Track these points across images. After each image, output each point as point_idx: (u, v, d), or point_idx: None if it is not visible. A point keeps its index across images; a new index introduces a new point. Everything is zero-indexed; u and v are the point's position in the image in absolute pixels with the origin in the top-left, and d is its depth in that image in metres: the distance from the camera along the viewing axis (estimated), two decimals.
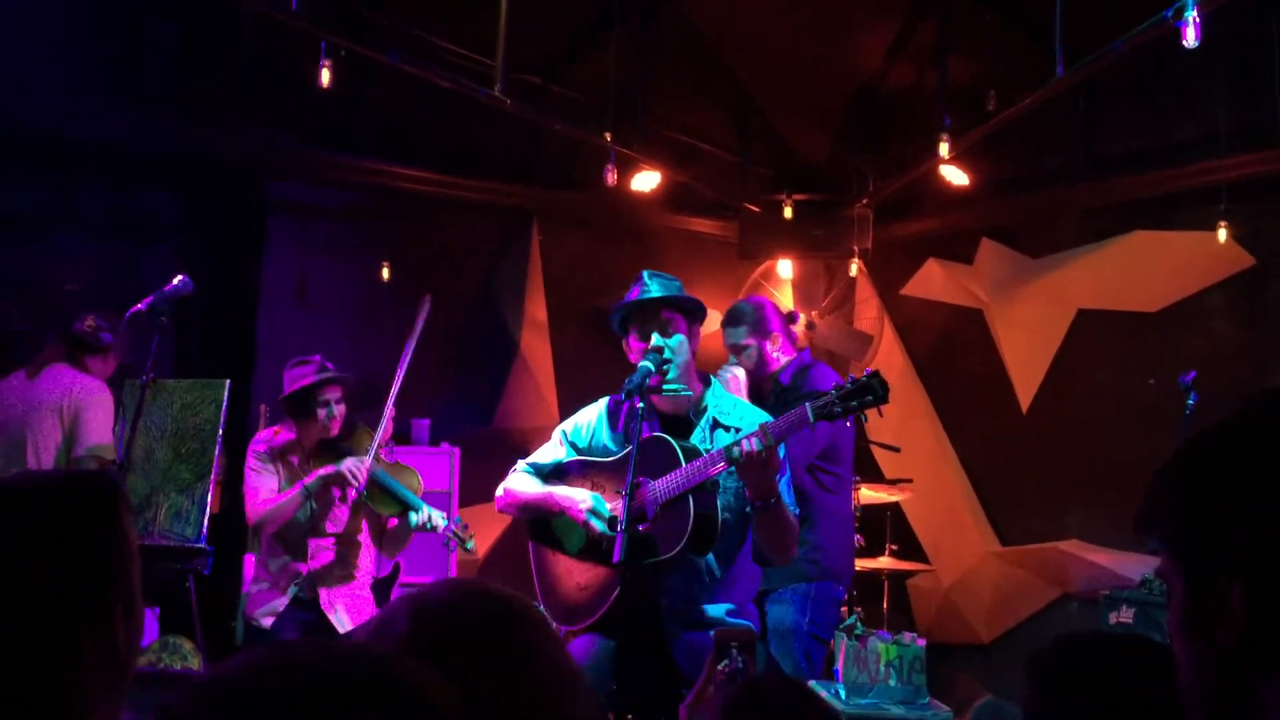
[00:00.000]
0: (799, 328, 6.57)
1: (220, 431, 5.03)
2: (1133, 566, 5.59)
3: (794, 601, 4.21)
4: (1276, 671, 0.96)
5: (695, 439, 3.30)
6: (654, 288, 3.36)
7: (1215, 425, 1.07)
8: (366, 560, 4.65)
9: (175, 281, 3.95)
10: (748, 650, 2.12)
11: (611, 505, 3.29)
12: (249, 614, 4.57)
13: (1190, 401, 3.86)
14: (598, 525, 3.26)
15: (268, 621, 4.49)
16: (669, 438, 3.23)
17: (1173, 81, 5.69)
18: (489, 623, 1.16)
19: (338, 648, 0.87)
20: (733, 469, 3.10)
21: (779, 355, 4.45)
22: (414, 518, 4.47)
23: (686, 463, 3.15)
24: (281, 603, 4.49)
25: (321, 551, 4.55)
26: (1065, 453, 6.27)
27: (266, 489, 4.50)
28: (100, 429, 4.45)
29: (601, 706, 3.02)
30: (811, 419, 2.99)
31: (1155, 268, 5.99)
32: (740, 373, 4.37)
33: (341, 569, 4.57)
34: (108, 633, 1.29)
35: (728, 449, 3.06)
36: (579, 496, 3.33)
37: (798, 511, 3.31)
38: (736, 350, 4.44)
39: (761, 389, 4.42)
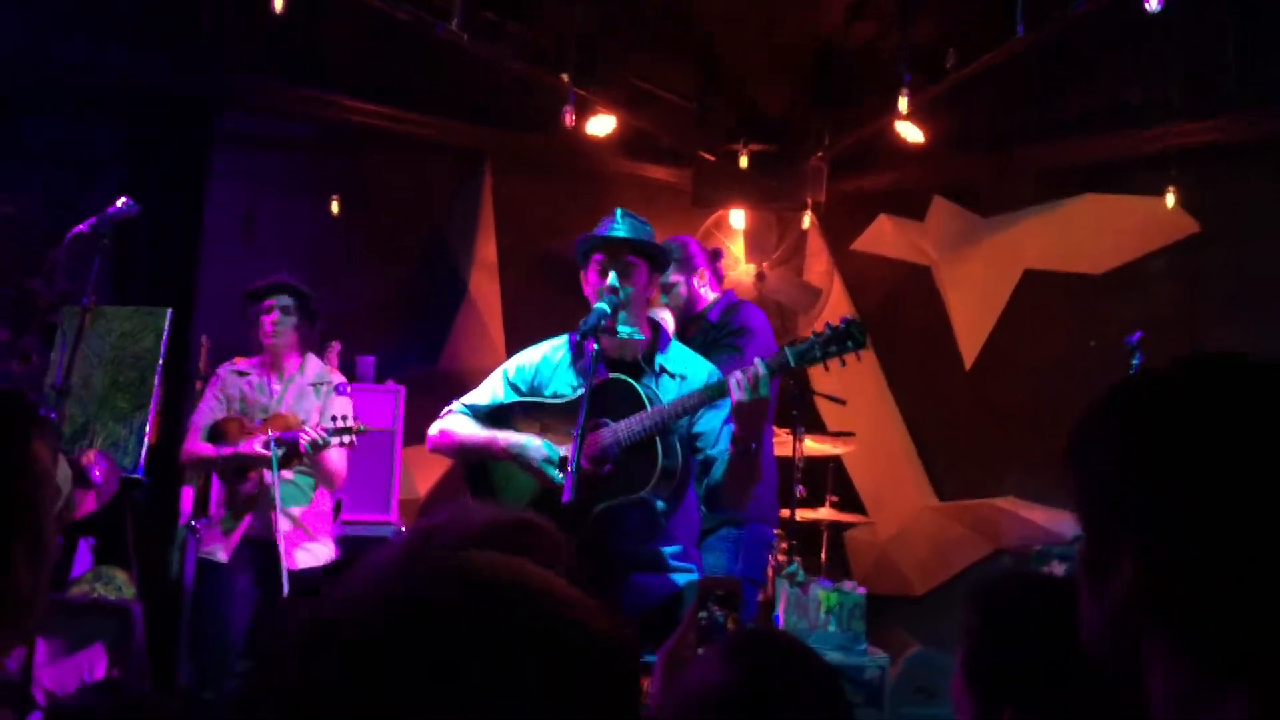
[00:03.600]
0: (735, 271, 6.56)
1: (160, 361, 4.94)
2: (1066, 523, 5.70)
3: (725, 548, 4.19)
4: (1158, 628, 0.98)
5: (635, 384, 3.29)
6: (623, 227, 3.31)
7: (1135, 381, 1.09)
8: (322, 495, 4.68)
9: (119, 203, 3.85)
10: (729, 602, 2.11)
11: (564, 449, 3.23)
12: (204, 549, 4.57)
13: (1135, 361, 3.92)
14: (550, 472, 3.22)
15: (223, 556, 4.50)
16: (631, 380, 3.21)
17: (1129, 47, 5.73)
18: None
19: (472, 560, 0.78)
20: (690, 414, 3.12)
21: (706, 292, 4.37)
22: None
23: (651, 405, 3.14)
24: (235, 537, 4.48)
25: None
26: (1005, 411, 6.36)
27: (203, 424, 4.56)
28: None
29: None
30: (792, 363, 3.02)
31: (1102, 231, 6.06)
32: (668, 315, 4.27)
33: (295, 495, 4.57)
34: (5, 562, 1.19)
35: (708, 387, 3.05)
36: (528, 443, 3.28)
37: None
38: (665, 289, 4.35)
39: (687, 330, 4.34)
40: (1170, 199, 5.53)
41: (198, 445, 4.60)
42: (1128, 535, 1.00)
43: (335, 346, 5.22)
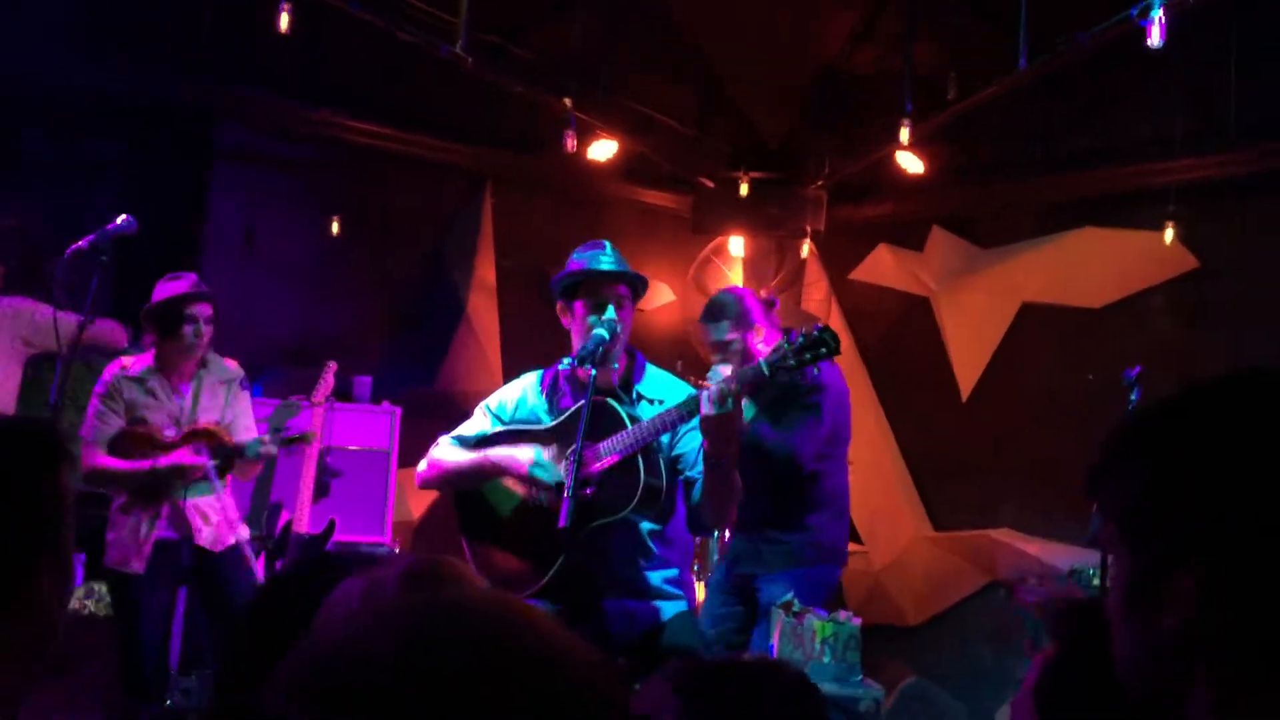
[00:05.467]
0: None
1: None
2: (1062, 556, 5.70)
3: (786, 583, 4.08)
4: (1215, 657, 0.95)
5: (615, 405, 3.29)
6: (614, 260, 3.36)
7: (1176, 399, 1.03)
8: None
9: (118, 220, 3.84)
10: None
11: (547, 452, 3.26)
12: (109, 562, 4.26)
13: (1134, 397, 3.91)
14: (543, 477, 3.21)
15: (137, 566, 4.22)
16: (612, 401, 3.22)
17: (1130, 81, 5.76)
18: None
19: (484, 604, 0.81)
20: (672, 432, 3.11)
21: (763, 347, 4.05)
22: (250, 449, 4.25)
23: (631, 425, 3.14)
24: (147, 546, 4.23)
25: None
26: (1002, 442, 6.35)
27: (103, 437, 4.24)
28: None
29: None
30: (767, 373, 3.00)
31: (1101, 264, 6.07)
32: (728, 370, 3.98)
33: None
34: (32, 589, 1.22)
35: (684, 402, 3.05)
36: (520, 454, 3.28)
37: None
38: (720, 347, 4.12)
39: (755, 388, 4.07)
40: (1169, 234, 5.54)
41: (106, 460, 4.23)
42: (1187, 566, 0.96)
43: (332, 366, 5.20)
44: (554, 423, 3.35)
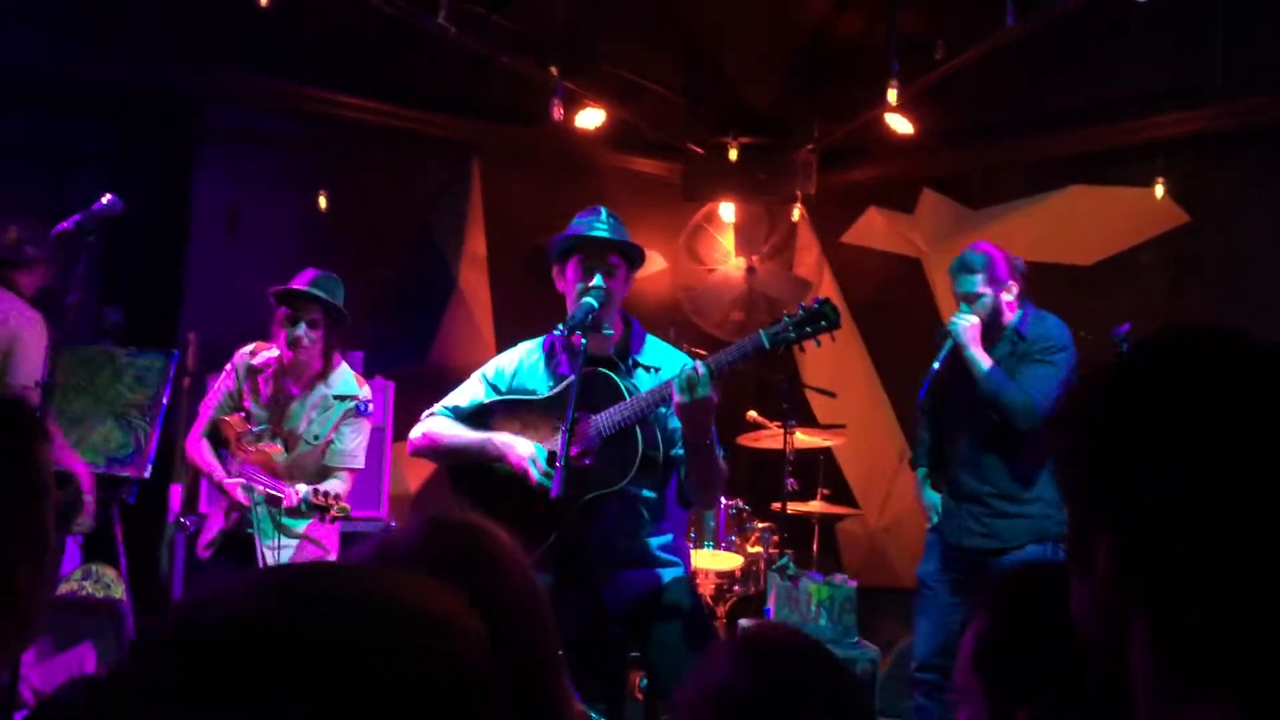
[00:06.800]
0: (725, 264, 6.52)
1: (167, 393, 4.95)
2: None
3: (1032, 558, 4.02)
4: (1138, 616, 0.96)
5: (613, 375, 3.30)
6: (608, 227, 3.35)
7: (1108, 366, 1.04)
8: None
9: (104, 200, 3.81)
10: None
11: (549, 445, 3.27)
12: (201, 546, 4.17)
13: (1124, 353, 3.91)
14: (536, 475, 3.21)
15: (206, 554, 4.15)
16: (610, 373, 3.23)
17: (1117, 38, 5.73)
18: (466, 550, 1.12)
19: (347, 571, 0.81)
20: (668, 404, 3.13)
21: (1013, 305, 4.23)
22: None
23: (630, 396, 3.15)
24: (216, 531, 4.15)
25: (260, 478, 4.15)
26: None
27: (208, 417, 4.15)
28: (33, 362, 4.14)
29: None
30: (767, 345, 3.02)
31: (1092, 222, 6.06)
32: (975, 319, 4.17)
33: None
34: (9, 580, 1.18)
35: (679, 376, 3.06)
36: (520, 447, 3.28)
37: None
38: (970, 299, 4.19)
39: (992, 338, 4.22)
40: (1159, 189, 5.53)
41: (198, 448, 4.17)
42: (1104, 521, 0.98)
43: None
44: (550, 393, 3.37)
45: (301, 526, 4.17)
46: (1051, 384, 4.00)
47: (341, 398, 4.21)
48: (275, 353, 4.15)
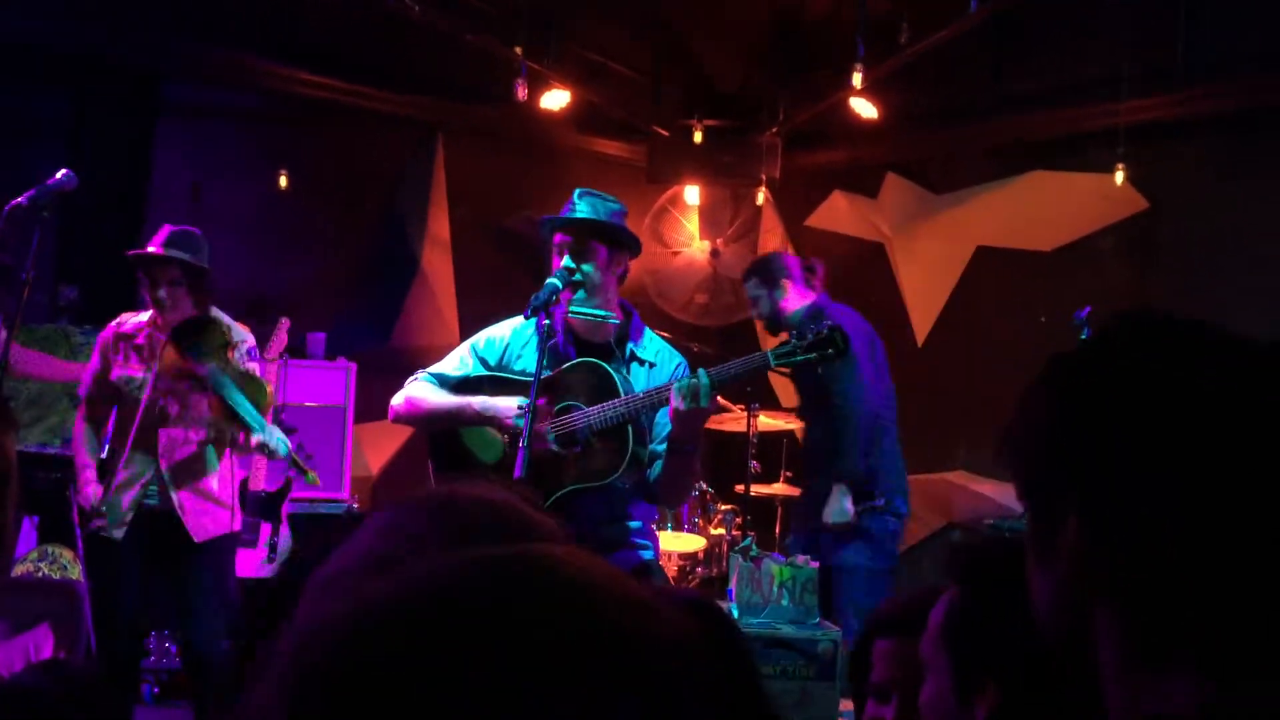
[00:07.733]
0: (689, 248, 6.58)
1: None
2: (1015, 498, 5.76)
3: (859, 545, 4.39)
4: (1103, 600, 0.96)
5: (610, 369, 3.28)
6: (581, 208, 3.30)
7: (1069, 351, 1.05)
8: (225, 464, 4.21)
9: (59, 175, 3.76)
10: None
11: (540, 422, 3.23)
12: (94, 524, 4.04)
13: (1084, 337, 3.95)
14: (520, 424, 3.18)
15: (118, 532, 4.03)
16: (606, 365, 3.20)
17: (1079, 23, 5.76)
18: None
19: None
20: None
21: (790, 304, 4.72)
22: (251, 438, 3.99)
23: (625, 392, 3.13)
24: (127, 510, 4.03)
25: (179, 447, 4.10)
26: (957, 386, 6.40)
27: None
28: None
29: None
30: (772, 364, 3.07)
31: (1053, 207, 6.10)
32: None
33: (199, 468, 4.10)
34: None
35: (680, 383, 3.04)
36: (504, 405, 3.23)
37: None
38: (751, 303, 4.69)
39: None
40: (1120, 176, 5.57)
41: (78, 434, 4.18)
42: (1070, 504, 0.97)
43: (285, 323, 5.13)
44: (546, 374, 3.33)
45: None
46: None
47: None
48: (146, 316, 4.15)
